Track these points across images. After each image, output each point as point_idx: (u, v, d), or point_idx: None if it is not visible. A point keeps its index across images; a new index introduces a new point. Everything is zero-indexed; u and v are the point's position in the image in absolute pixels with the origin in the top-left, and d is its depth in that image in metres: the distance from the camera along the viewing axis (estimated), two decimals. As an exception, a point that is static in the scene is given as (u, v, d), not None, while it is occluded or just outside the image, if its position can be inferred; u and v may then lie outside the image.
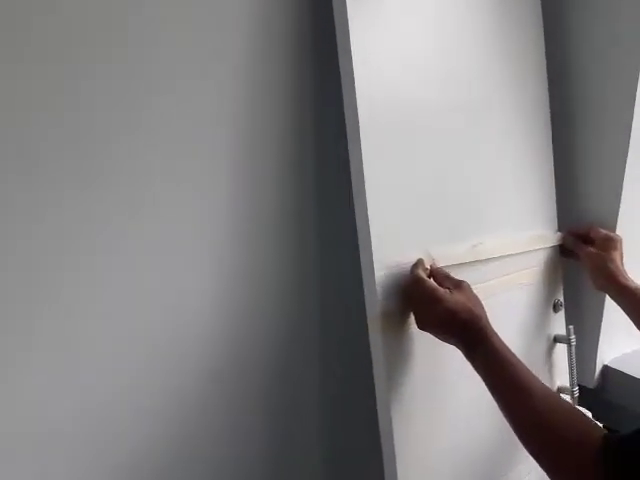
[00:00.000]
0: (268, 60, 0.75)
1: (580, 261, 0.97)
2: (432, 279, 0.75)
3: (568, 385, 1.02)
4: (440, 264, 0.79)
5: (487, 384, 0.69)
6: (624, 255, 0.95)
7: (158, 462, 0.72)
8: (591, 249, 0.95)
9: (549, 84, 1.01)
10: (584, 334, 1.05)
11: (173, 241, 0.70)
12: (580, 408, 0.66)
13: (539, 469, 0.65)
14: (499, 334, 0.74)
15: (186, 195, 0.70)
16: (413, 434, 0.77)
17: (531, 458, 0.65)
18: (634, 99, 0.93)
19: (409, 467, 0.76)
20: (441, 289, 0.72)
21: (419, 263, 0.76)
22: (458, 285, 0.74)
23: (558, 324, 1.02)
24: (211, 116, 0.71)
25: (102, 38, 0.61)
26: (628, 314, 0.90)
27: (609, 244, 0.94)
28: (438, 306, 0.71)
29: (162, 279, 0.70)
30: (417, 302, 0.74)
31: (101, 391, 0.66)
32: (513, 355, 0.69)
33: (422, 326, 0.75)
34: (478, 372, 0.70)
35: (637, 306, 0.88)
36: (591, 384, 1.07)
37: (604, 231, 0.96)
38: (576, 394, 1.01)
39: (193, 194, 0.71)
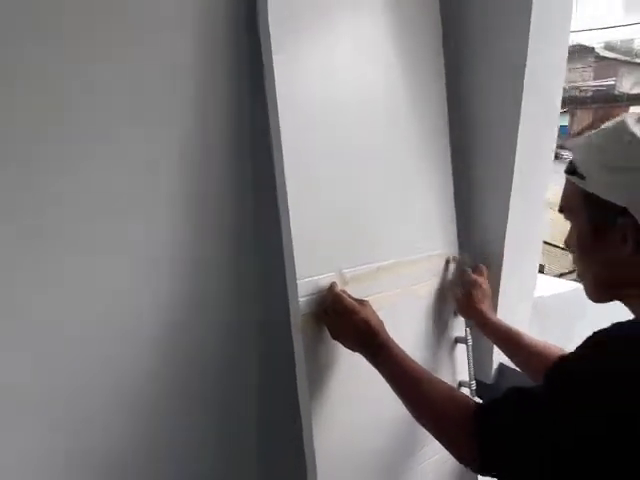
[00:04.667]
0: (212, 92, 0.91)
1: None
2: None
3: (467, 380, 1.21)
4: (351, 283, 0.97)
5: (387, 379, 0.87)
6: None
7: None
8: (459, 295, 1.16)
9: (450, 128, 1.21)
10: (482, 335, 1.24)
11: (123, 244, 0.85)
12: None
13: (443, 451, 0.81)
14: (407, 337, 0.92)
15: (138, 206, 0.86)
16: (329, 417, 0.94)
17: (436, 441, 0.82)
18: (516, 139, 1.14)
19: (326, 446, 0.93)
20: (356, 304, 0.90)
21: (335, 284, 0.93)
22: (362, 303, 0.92)
23: (459, 327, 1.22)
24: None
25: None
26: (494, 343, 1.11)
27: (475, 288, 1.14)
28: (355, 317, 0.89)
29: (112, 279, 0.85)
30: (336, 314, 0.91)
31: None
32: (406, 355, 0.87)
33: (336, 335, 0.93)
34: (380, 370, 0.88)
35: (499, 339, 1.10)
36: (489, 379, 1.26)
37: (473, 276, 1.16)
38: (473, 387, 1.20)
39: (145, 209, 0.87)
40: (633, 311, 0.74)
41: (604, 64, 14.40)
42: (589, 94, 13.84)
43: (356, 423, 0.99)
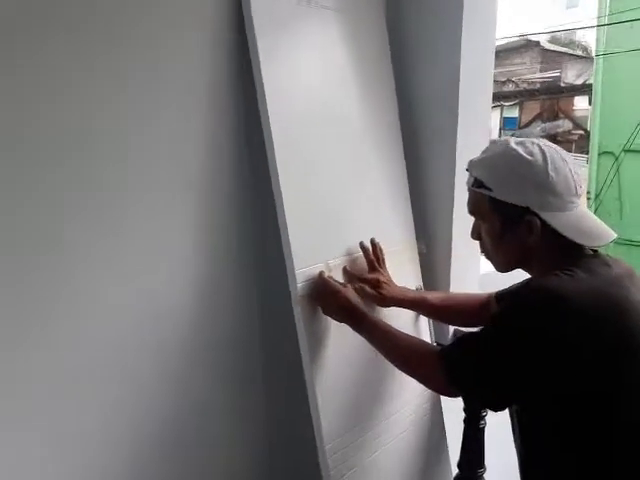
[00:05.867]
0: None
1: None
2: None
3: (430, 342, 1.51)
4: (335, 270, 1.26)
5: (368, 340, 1.17)
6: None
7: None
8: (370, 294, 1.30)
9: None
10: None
11: (157, 251, 1.13)
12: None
13: (419, 411, 1.07)
14: (380, 310, 1.27)
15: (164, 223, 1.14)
16: (325, 372, 1.22)
17: (414, 400, 1.10)
18: (455, 143, 1.45)
19: (325, 393, 1.21)
20: (339, 286, 1.20)
21: (322, 272, 1.22)
22: (344, 285, 1.22)
23: (420, 301, 1.52)
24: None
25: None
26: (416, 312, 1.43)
27: (379, 287, 1.32)
28: (339, 295, 1.19)
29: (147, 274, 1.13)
30: (325, 294, 1.21)
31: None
32: (380, 320, 1.18)
33: (326, 312, 1.22)
34: (362, 334, 1.18)
35: (414, 308, 1.41)
36: (446, 342, 1.57)
37: (373, 277, 1.32)
38: (435, 348, 1.50)
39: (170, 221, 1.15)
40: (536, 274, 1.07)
41: (549, 57, 15.11)
42: (537, 86, 14.51)
43: (346, 376, 1.28)
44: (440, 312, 1.39)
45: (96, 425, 1.08)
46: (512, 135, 12.65)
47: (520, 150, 1.01)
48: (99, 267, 1.05)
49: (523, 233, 1.02)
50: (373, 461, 1.35)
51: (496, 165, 1.04)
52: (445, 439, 1.57)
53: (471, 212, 1.12)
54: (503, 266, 1.11)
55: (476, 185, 1.06)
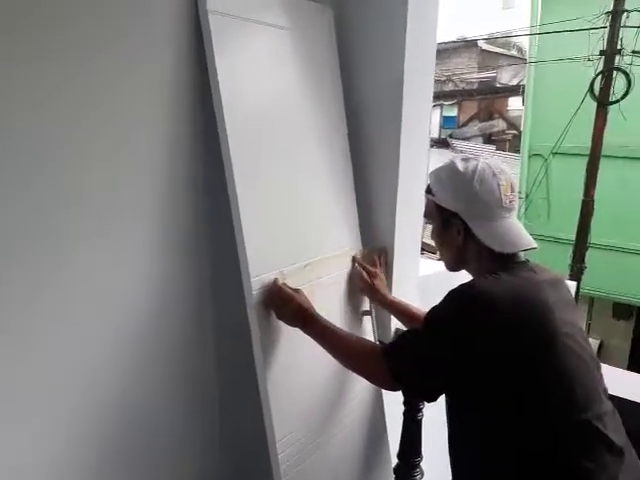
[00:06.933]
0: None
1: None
2: None
3: (373, 341, 1.62)
4: (288, 277, 1.34)
5: (318, 342, 1.26)
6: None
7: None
8: (365, 283, 1.54)
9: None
10: (382, 309, 1.66)
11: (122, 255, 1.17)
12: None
13: (363, 406, 1.16)
14: (329, 312, 1.34)
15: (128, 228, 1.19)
16: (278, 375, 1.30)
17: (358, 396, 1.20)
18: (398, 154, 1.56)
19: (275, 392, 1.29)
20: (292, 292, 1.28)
21: (277, 279, 1.30)
22: (297, 291, 1.30)
23: (365, 303, 1.62)
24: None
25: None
26: (393, 315, 1.56)
27: (375, 279, 1.55)
28: (292, 302, 1.27)
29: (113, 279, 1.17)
30: (280, 301, 1.28)
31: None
32: (330, 323, 1.26)
33: (279, 316, 1.29)
34: (312, 337, 1.26)
35: (395, 312, 1.55)
36: (388, 340, 1.68)
37: (372, 269, 1.55)
38: (378, 346, 1.61)
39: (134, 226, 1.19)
40: (473, 277, 1.20)
41: (486, 57, 15.64)
42: (474, 86, 15.02)
43: (296, 375, 1.37)
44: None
45: (50, 422, 1.11)
46: (451, 134, 13.19)
47: (459, 164, 1.18)
48: (58, 266, 1.08)
49: (453, 235, 1.19)
50: (321, 455, 1.44)
51: (439, 175, 1.22)
52: (386, 432, 1.69)
53: (424, 214, 1.29)
54: (448, 265, 1.28)
55: (426, 191, 1.25)
